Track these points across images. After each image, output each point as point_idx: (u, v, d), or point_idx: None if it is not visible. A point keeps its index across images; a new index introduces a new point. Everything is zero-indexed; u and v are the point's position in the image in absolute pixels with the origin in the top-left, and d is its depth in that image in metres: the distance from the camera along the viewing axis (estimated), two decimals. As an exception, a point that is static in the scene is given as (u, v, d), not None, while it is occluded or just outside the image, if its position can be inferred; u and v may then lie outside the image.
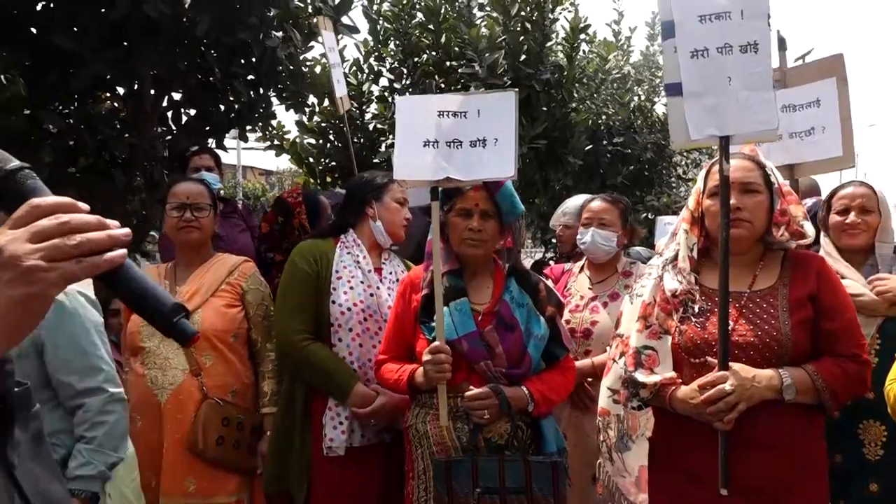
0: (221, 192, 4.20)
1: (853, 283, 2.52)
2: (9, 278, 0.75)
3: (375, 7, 6.17)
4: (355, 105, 6.39)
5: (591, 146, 6.67)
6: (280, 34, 4.79)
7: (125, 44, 4.10)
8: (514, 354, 2.35)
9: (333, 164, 6.39)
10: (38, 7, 3.82)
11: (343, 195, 3.19)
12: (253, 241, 3.84)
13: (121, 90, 4.82)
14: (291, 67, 5.18)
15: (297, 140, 6.56)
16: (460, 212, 2.41)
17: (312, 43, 5.27)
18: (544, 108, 6.00)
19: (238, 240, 3.75)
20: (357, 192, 2.94)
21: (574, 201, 4.10)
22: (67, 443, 2.18)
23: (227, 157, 5.01)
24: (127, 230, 0.83)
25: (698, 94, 2.03)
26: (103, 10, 3.76)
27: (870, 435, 2.55)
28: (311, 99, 5.96)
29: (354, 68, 6.34)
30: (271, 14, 4.49)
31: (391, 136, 6.18)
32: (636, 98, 7.83)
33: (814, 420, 2.08)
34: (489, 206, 2.40)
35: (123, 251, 0.83)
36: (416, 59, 6.19)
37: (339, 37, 5.90)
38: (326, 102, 6.05)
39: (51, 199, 0.80)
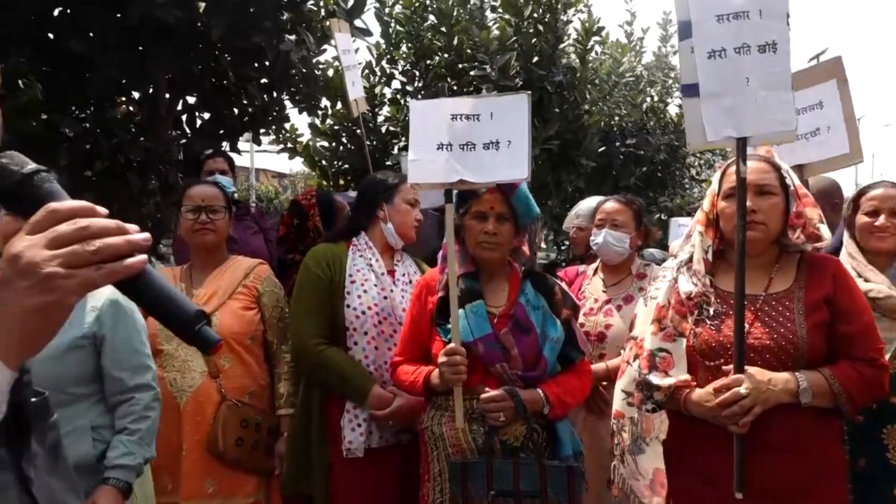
0: (235, 195, 4.23)
1: (879, 285, 2.48)
2: (27, 286, 0.73)
3: (387, 10, 6.19)
4: (367, 108, 6.41)
5: (603, 148, 6.66)
6: (293, 38, 4.82)
7: (140, 48, 4.14)
8: (530, 357, 2.35)
9: (346, 166, 6.41)
10: (55, 13, 3.86)
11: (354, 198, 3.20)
12: (266, 243, 3.87)
13: (136, 94, 4.86)
14: (304, 70, 5.21)
15: (310, 143, 6.58)
16: (476, 215, 2.42)
17: (325, 46, 5.30)
18: (557, 110, 5.99)
19: (251, 242, 3.77)
20: (367, 195, 2.95)
21: (587, 203, 4.09)
22: (108, 438, 2.25)
23: (240, 160, 5.05)
24: (146, 235, 0.81)
25: (715, 94, 2.02)
26: (118, 16, 3.80)
27: (894, 439, 2.52)
28: (324, 102, 5.99)
29: (367, 71, 6.36)
30: (285, 18, 4.51)
31: (404, 139, 6.19)
32: (649, 99, 7.80)
33: (831, 423, 2.07)
34: (505, 209, 2.41)
35: (143, 257, 0.80)
36: (428, 62, 6.20)
37: (353, 40, 5.93)
38: (339, 105, 6.07)
39: (69, 203, 0.78)
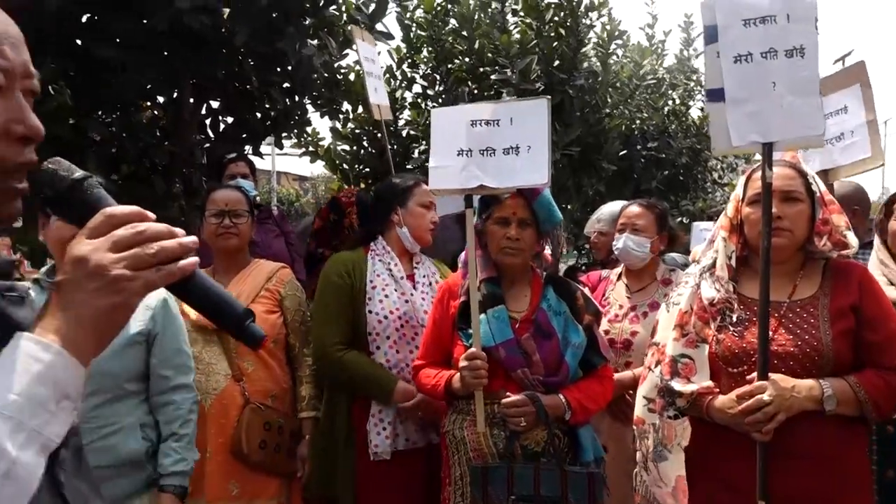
0: (257, 198, 4.26)
1: None
2: (96, 287, 0.77)
3: (409, 14, 6.21)
4: (390, 116, 6.43)
5: (624, 151, 6.63)
6: (315, 42, 4.85)
7: (165, 54, 4.19)
8: (552, 362, 2.35)
9: (367, 169, 6.44)
10: (83, 19, 3.92)
11: None
12: (287, 246, 3.90)
13: (160, 99, 4.92)
14: (326, 75, 5.24)
15: (332, 146, 6.63)
16: (498, 220, 2.43)
17: (347, 50, 5.33)
18: (578, 114, 5.98)
19: (273, 245, 3.81)
20: (381, 199, 2.97)
21: (609, 207, 4.08)
22: (152, 437, 2.34)
23: (261, 163, 5.09)
24: (194, 238, 0.84)
25: (741, 99, 2.01)
26: (145, 22, 3.85)
27: (923, 450, 2.49)
28: (346, 106, 6.02)
29: (387, 75, 6.39)
30: (307, 23, 4.55)
31: (424, 143, 6.21)
32: (671, 102, 7.75)
33: (856, 432, 2.04)
34: (527, 215, 2.41)
35: (196, 259, 0.84)
36: (449, 66, 6.21)
37: (374, 45, 5.96)
38: (360, 109, 6.10)
39: (125, 208, 0.82)
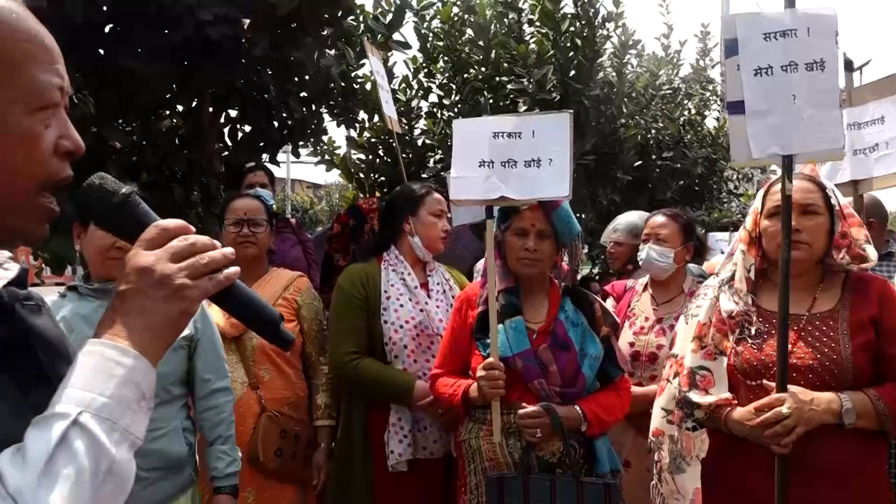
0: (273, 207, 4.30)
1: None
2: (163, 295, 0.82)
3: (426, 24, 6.24)
4: (405, 121, 6.47)
5: (640, 162, 6.62)
6: (333, 52, 4.89)
7: (185, 63, 4.24)
8: (569, 373, 2.36)
9: (382, 178, 6.46)
10: (106, 29, 3.98)
11: None
12: (304, 255, 3.93)
13: (179, 108, 4.98)
14: (343, 84, 5.28)
15: (347, 155, 6.67)
16: (516, 231, 2.44)
17: (364, 60, 5.36)
18: (593, 124, 5.98)
19: (290, 254, 3.83)
20: (392, 208, 2.98)
21: (625, 218, 4.07)
22: (191, 440, 2.40)
23: (276, 171, 5.14)
24: (232, 249, 0.90)
25: (761, 112, 2.01)
26: (166, 32, 3.90)
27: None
28: (361, 115, 6.06)
29: (404, 85, 6.42)
30: (325, 33, 4.59)
31: (440, 152, 6.22)
32: (686, 112, 7.73)
33: (876, 446, 2.04)
34: (545, 227, 2.42)
35: (237, 268, 0.89)
36: (465, 75, 6.23)
37: (390, 53, 6.00)
38: (376, 118, 6.14)
39: (174, 221, 0.87)
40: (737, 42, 2.01)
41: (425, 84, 6.44)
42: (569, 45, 6.02)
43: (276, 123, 5.25)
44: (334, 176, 9.28)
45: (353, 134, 6.38)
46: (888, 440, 2.05)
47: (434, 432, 2.76)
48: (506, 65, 6.03)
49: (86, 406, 0.75)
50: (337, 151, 6.72)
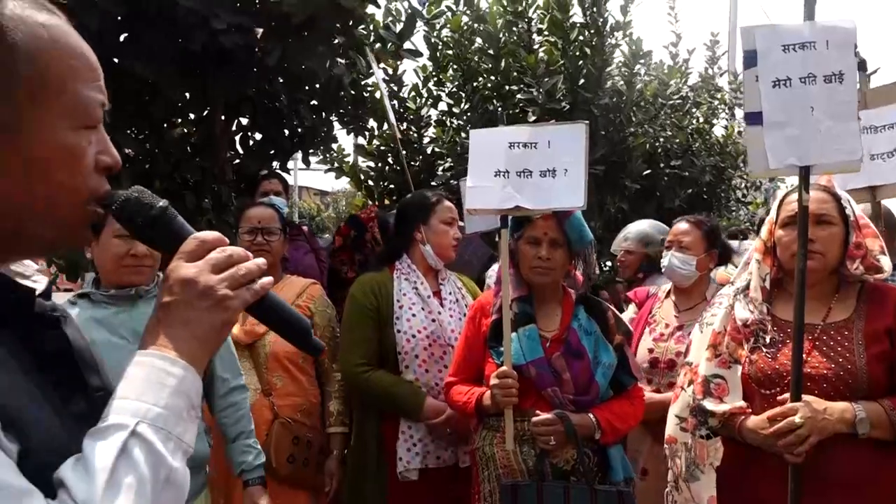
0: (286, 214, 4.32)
1: None
2: (207, 306, 0.84)
3: (436, 33, 6.26)
4: (413, 129, 6.49)
5: (648, 170, 6.60)
6: (344, 61, 4.92)
7: (197, 70, 4.27)
8: (582, 381, 2.37)
9: (392, 186, 6.48)
10: (121, 38, 4.01)
11: None
12: (317, 262, 3.95)
13: (191, 115, 5.00)
14: (353, 92, 5.31)
15: (356, 163, 6.69)
16: (529, 240, 2.46)
17: (374, 69, 5.38)
18: (603, 133, 5.98)
19: (303, 261, 3.85)
20: (404, 217, 3.00)
21: (636, 226, 4.09)
22: (209, 440, 2.42)
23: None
24: (263, 260, 0.91)
25: (780, 123, 2.02)
26: (180, 41, 3.93)
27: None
28: (371, 122, 6.09)
29: (413, 93, 6.44)
30: (337, 42, 4.61)
31: (449, 160, 6.24)
32: (694, 121, 7.71)
33: (890, 456, 2.03)
34: (558, 235, 2.44)
35: (271, 278, 0.92)
36: (474, 84, 6.25)
37: (399, 62, 6.03)
38: (385, 126, 6.17)
39: (212, 233, 0.89)
40: (755, 54, 2.02)
41: (435, 92, 6.46)
42: (578, 54, 6.03)
43: (286, 131, 5.28)
44: (341, 183, 9.28)
45: (363, 142, 6.41)
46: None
47: (445, 434, 2.77)
48: (515, 74, 6.05)
49: (142, 416, 0.77)
50: (346, 159, 6.75)
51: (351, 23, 4.47)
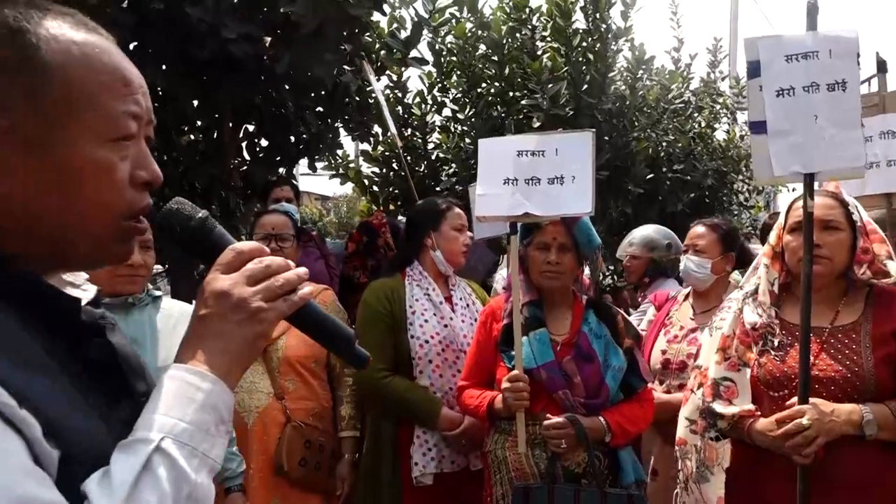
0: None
1: None
2: (240, 319, 0.84)
3: (440, 39, 6.31)
4: (418, 135, 6.53)
5: (651, 174, 6.65)
6: (350, 68, 4.96)
7: (204, 78, 4.31)
8: (593, 385, 2.41)
9: (397, 191, 6.52)
10: (130, 47, 4.05)
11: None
12: (327, 268, 3.99)
13: (199, 123, 5.04)
14: (358, 99, 5.35)
15: (361, 169, 6.75)
16: (539, 245, 2.50)
17: (381, 77, 5.43)
18: (606, 138, 6.02)
19: (314, 267, 3.89)
20: (414, 224, 3.04)
21: (641, 231, 4.12)
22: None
23: (290, 184, 5.23)
24: (305, 269, 0.90)
25: (784, 131, 2.06)
26: (189, 49, 3.97)
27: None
28: (376, 129, 6.13)
29: (418, 99, 6.49)
30: (345, 49, 4.65)
31: (453, 166, 6.28)
32: (696, 125, 7.75)
33: (898, 457, 2.07)
34: (566, 240, 2.48)
35: (311, 288, 0.90)
36: (479, 90, 6.29)
37: (403, 69, 6.07)
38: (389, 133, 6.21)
39: (249, 244, 0.89)
40: (759, 64, 2.06)
41: (439, 98, 6.50)
42: (581, 60, 6.07)
43: (292, 138, 5.32)
44: (342, 188, 9.32)
45: (368, 147, 6.45)
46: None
47: (459, 444, 2.80)
48: (519, 80, 6.09)
49: (167, 432, 0.77)
50: (351, 165, 6.79)
51: (357, 30, 4.51)
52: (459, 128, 6.46)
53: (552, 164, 2.46)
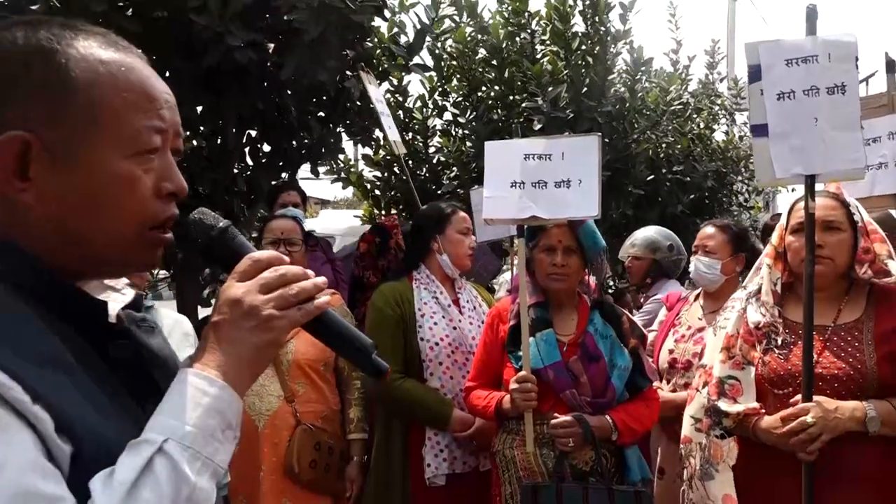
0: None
1: None
2: (251, 326, 0.85)
3: (440, 44, 6.35)
4: (419, 139, 6.57)
5: (651, 176, 6.68)
6: (353, 74, 5.00)
7: (209, 84, 4.34)
8: (599, 384, 2.44)
9: (399, 195, 6.56)
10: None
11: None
12: (334, 273, 4.02)
13: (202, 128, 5.07)
14: (360, 104, 5.38)
15: (363, 173, 6.78)
16: (545, 248, 2.54)
17: (383, 82, 5.46)
18: (606, 140, 6.06)
19: (321, 272, 3.92)
20: (420, 228, 3.08)
21: (642, 233, 4.16)
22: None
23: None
24: (324, 278, 0.92)
25: (784, 134, 2.10)
26: (195, 57, 4.01)
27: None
28: (377, 133, 6.16)
29: (419, 103, 6.52)
30: (348, 55, 4.69)
31: (454, 169, 6.32)
32: (696, 127, 7.80)
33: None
34: (572, 243, 2.52)
35: (328, 297, 0.92)
36: (479, 94, 6.33)
37: (404, 74, 6.11)
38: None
39: (266, 253, 0.91)
40: (759, 68, 2.10)
41: (440, 102, 6.54)
42: (580, 63, 6.11)
43: (294, 143, 5.35)
44: (342, 192, 9.33)
45: (369, 152, 6.48)
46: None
47: (470, 445, 2.84)
48: (519, 83, 6.13)
49: (171, 434, 0.78)
50: (353, 169, 6.83)
51: (359, 36, 4.55)
52: (460, 131, 6.50)
53: (559, 167, 2.49)
